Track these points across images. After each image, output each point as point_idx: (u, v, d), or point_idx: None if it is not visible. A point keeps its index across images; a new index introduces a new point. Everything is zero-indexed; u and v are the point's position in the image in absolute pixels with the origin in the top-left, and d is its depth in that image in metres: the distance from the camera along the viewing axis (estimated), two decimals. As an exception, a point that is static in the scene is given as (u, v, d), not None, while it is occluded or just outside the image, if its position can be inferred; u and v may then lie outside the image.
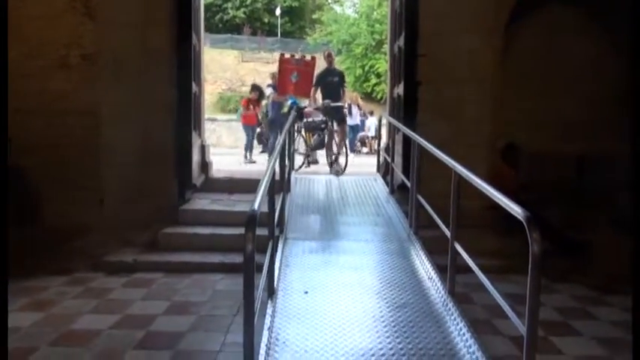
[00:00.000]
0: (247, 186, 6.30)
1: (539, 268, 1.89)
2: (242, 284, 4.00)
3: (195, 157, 5.84)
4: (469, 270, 3.19)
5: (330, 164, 7.17)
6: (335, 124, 7.52)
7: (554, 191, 6.17)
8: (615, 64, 6.55)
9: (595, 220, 6.09)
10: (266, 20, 35.90)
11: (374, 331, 2.83)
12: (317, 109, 7.93)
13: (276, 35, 35.23)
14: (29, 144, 5.71)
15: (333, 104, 7.53)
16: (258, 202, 2.23)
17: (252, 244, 1.96)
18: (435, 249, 3.79)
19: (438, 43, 5.54)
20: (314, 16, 33.99)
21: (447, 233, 3.21)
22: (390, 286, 3.44)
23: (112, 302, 3.75)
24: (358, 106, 16.17)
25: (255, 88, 11.26)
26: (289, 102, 8.90)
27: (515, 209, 2.07)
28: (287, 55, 8.93)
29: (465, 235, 3.09)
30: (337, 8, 32.09)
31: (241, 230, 5.53)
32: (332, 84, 7.56)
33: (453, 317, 2.95)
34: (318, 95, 7.98)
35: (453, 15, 5.51)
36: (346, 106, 7.12)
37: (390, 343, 2.70)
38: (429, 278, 3.54)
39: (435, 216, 3.63)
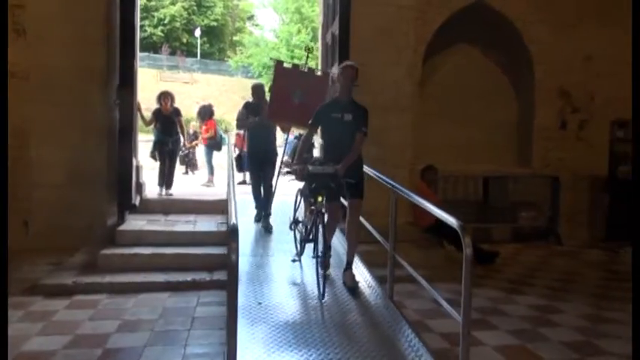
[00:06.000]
0: (181, 207, 6.41)
1: (471, 266, 2.34)
2: (190, 302, 4.17)
3: (133, 178, 5.83)
4: (401, 280, 3.66)
5: (317, 264, 3.93)
6: (325, 201, 3.95)
7: (465, 207, 6.98)
8: (511, 96, 7.63)
9: (500, 233, 7.02)
10: (185, 40, 35.56)
11: (324, 332, 3.15)
12: (290, 172, 4.19)
13: (196, 55, 34.99)
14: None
15: (315, 170, 3.90)
16: (234, 217, 2.46)
17: (235, 253, 2.17)
18: (371, 262, 4.23)
19: (367, 74, 6.07)
20: (234, 38, 34.27)
21: (387, 246, 3.64)
22: (334, 295, 3.79)
23: (58, 324, 3.69)
24: None
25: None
26: (291, 138, 5.44)
27: (450, 220, 2.53)
28: (286, 65, 5.81)
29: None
30: (257, 32, 32.62)
31: (182, 250, 5.57)
32: (338, 125, 3.98)
33: (393, 318, 3.35)
34: (318, 140, 5.07)
35: (380, 49, 6.16)
36: (337, 170, 3.81)
37: (339, 340, 3.04)
38: (368, 286, 3.94)
39: (373, 231, 4.04)
